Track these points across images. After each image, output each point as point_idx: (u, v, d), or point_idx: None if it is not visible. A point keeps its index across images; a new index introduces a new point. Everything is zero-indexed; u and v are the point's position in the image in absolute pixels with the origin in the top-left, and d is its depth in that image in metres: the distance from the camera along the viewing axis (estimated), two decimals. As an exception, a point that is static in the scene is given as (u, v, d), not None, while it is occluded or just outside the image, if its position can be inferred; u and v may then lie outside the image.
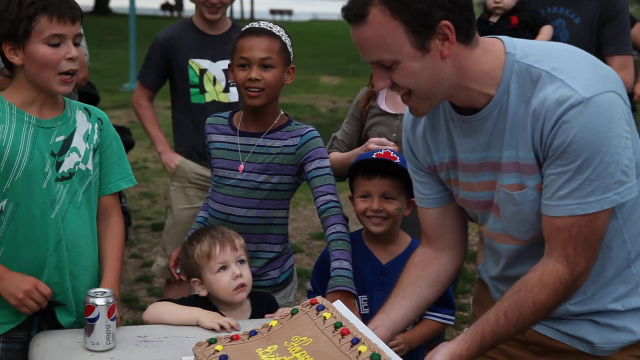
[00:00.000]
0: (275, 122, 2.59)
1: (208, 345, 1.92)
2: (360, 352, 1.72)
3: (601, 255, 1.81)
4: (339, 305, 1.98)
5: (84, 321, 2.03)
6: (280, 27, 2.59)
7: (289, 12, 49.71)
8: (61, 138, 2.20)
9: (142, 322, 2.35)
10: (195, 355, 1.92)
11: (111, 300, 2.03)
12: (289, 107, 10.89)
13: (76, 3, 2.16)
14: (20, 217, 2.15)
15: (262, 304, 2.39)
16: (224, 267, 2.29)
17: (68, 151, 2.20)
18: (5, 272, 2.16)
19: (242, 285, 2.29)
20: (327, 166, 2.53)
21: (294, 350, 1.84)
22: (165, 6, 41.89)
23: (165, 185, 7.12)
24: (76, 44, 2.14)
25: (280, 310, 2.15)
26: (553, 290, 1.75)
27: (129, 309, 4.40)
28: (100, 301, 2.01)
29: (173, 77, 3.61)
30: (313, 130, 2.58)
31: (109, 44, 19.29)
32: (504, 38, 1.81)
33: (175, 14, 39.44)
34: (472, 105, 1.80)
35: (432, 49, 1.70)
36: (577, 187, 1.69)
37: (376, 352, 1.71)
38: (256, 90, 2.50)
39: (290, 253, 2.73)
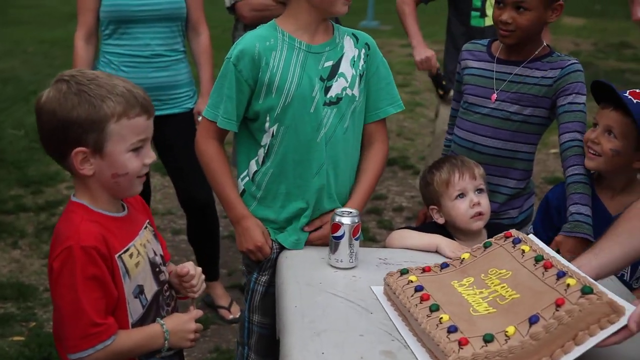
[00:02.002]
0: (537, 52, 2.49)
1: (400, 276, 1.89)
2: (569, 285, 1.61)
3: None
4: (534, 238, 1.88)
5: (330, 239, 2.10)
6: None
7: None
8: (329, 63, 2.24)
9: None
10: (387, 285, 1.89)
11: (356, 220, 2.08)
12: (527, 48, 10.38)
13: None
14: (289, 140, 2.24)
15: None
16: (462, 195, 2.29)
17: (336, 76, 2.24)
18: (249, 216, 2.29)
19: (480, 213, 2.27)
20: (582, 103, 2.38)
21: (492, 283, 1.78)
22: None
23: (398, 121, 7.21)
24: None
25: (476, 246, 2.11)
26: None
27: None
28: (346, 220, 2.07)
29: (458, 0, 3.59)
30: (576, 63, 2.44)
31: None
32: None
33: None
34: None
35: None
36: None
37: (587, 285, 1.59)
38: (507, 31, 2.42)
39: (532, 192, 2.64)
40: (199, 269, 1.94)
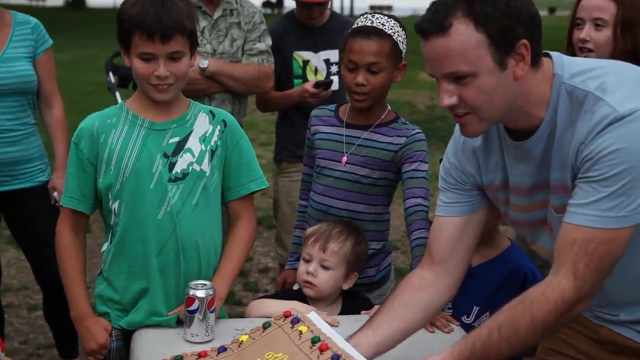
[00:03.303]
0: (383, 116, 2.59)
1: None
2: None
3: None
4: (314, 317, 1.88)
5: (185, 313, 2.08)
6: (395, 21, 2.53)
7: (389, 8, 49.53)
8: (175, 140, 2.23)
9: (237, 316, 2.41)
10: None
11: (211, 293, 2.07)
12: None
13: (177, 18, 2.12)
14: (129, 217, 2.21)
15: (354, 301, 2.41)
16: (308, 260, 2.36)
17: (181, 152, 2.23)
18: (90, 315, 2.27)
19: (310, 283, 2.33)
20: (425, 170, 2.51)
21: None
22: (265, 4, 42.56)
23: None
24: (174, 59, 2.15)
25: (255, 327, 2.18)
26: (554, 307, 1.65)
27: (225, 303, 4.47)
28: (200, 293, 2.05)
29: (280, 69, 3.65)
30: (420, 132, 2.57)
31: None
32: (554, 56, 1.76)
33: (276, 11, 39.99)
34: (525, 128, 1.76)
35: (509, 68, 1.67)
36: (601, 199, 1.63)
37: None
38: (362, 94, 2.50)
39: (389, 251, 2.72)
40: None
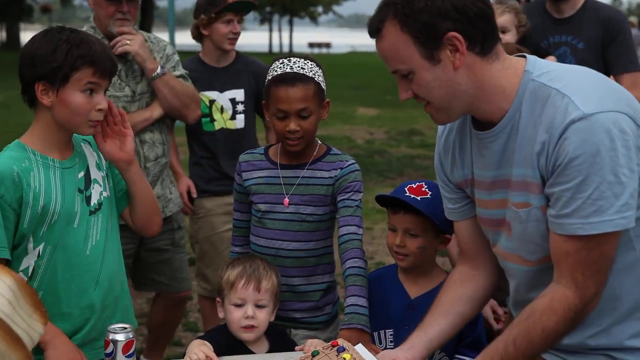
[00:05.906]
0: (315, 152, 2.58)
1: None
2: None
3: (616, 285, 1.76)
4: (360, 348, 1.98)
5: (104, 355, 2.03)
6: (311, 61, 2.53)
7: (327, 45, 50.18)
8: (82, 174, 2.24)
9: (175, 356, 2.34)
10: None
11: (131, 336, 2.02)
12: (325, 139, 10.73)
13: (115, 58, 2.23)
14: (57, 258, 2.17)
15: (277, 336, 2.39)
16: (240, 304, 2.29)
17: (92, 184, 2.25)
18: (57, 334, 2.13)
19: (252, 326, 2.28)
20: (359, 199, 2.51)
21: None
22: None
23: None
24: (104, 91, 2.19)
25: (310, 342, 2.20)
26: (562, 317, 1.73)
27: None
28: (116, 337, 2.01)
29: None
30: (354, 163, 2.57)
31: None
32: (529, 57, 1.83)
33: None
34: (489, 120, 1.82)
35: (444, 60, 1.74)
36: (580, 206, 1.67)
37: None
38: (296, 139, 2.49)
39: (335, 284, 2.71)
40: None
